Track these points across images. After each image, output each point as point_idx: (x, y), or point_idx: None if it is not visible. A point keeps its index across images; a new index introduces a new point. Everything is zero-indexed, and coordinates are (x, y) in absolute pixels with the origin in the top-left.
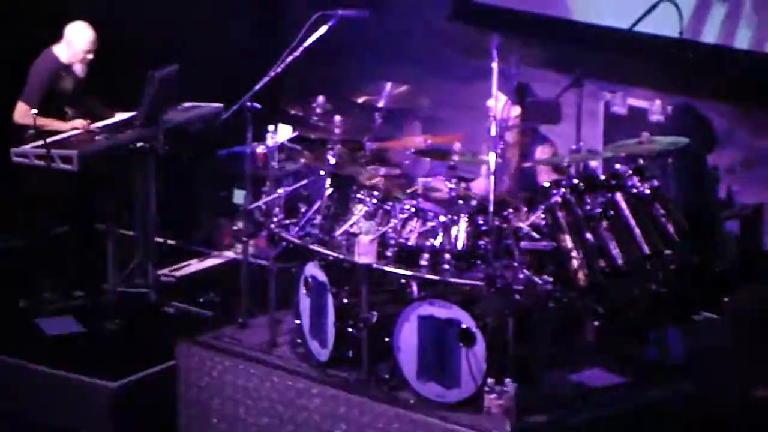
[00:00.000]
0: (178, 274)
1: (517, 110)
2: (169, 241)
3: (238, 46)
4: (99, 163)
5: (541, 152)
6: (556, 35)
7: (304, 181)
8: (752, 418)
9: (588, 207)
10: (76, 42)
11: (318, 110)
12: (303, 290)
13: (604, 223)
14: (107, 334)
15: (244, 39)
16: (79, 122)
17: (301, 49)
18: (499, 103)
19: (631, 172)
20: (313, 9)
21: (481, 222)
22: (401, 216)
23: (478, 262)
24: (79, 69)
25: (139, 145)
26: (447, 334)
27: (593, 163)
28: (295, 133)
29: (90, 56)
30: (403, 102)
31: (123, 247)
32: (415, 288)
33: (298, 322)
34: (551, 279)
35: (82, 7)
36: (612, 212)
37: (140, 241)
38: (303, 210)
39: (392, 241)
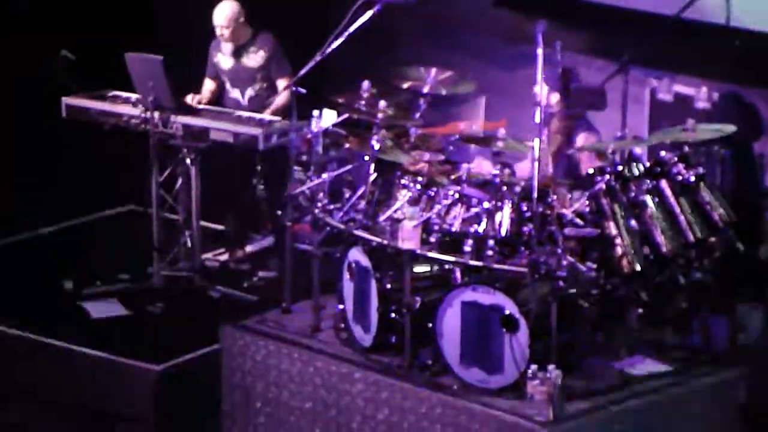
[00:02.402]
0: (222, 258)
1: (556, 97)
2: (214, 226)
3: (284, 31)
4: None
5: (585, 140)
6: (602, 21)
7: (349, 167)
8: None
9: (632, 194)
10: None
11: (363, 95)
12: (346, 275)
13: (649, 211)
14: (152, 318)
15: (290, 24)
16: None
17: (345, 34)
18: (543, 89)
19: (676, 159)
20: None
21: (525, 208)
22: (445, 202)
23: (522, 248)
24: (223, 47)
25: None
26: (490, 320)
27: (638, 150)
28: (341, 118)
29: (220, 33)
30: (448, 87)
31: (168, 231)
32: (458, 274)
33: (341, 307)
34: (595, 266)
35: None
36: (657, 199)
37: (185, 225)
38: (347, 195)
39: (436, 227)
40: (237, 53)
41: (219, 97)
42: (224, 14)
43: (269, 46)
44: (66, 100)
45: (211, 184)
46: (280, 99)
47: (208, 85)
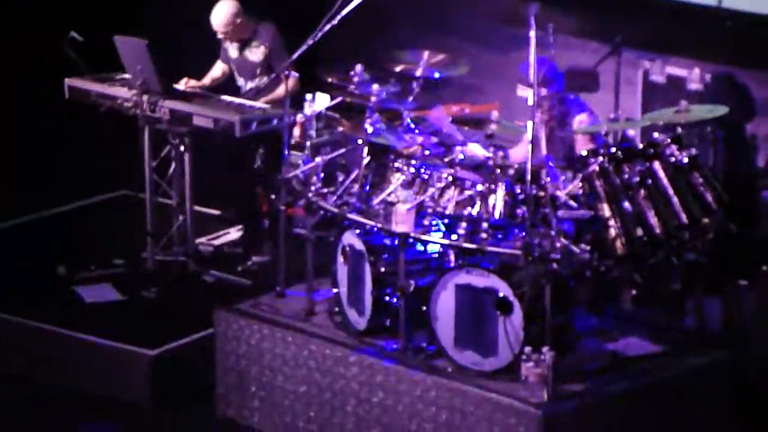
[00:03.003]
0: (216, 242)
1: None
2: (208, 210)
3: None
4: None
5: (580, 122)
6: (595, 3)
7: (342, 150)
8: None
9: (626, 176)
10: None
11: (356, 79)
12: (340, 259)
13: (642, 192)
14: (146, 303)
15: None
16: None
17: (338, 18)
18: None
19: (669, 140)
20: None
21: (518, 191)
22: (439, 185)
23: (516, 230)
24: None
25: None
26: (484, 303)
27: (631, 132)
28: (334, 102)
29: (220, 35)
30: (441, 70)
31: (162, 216)
32: (452, 256)
33: (335, 290)
34: (588, 248)
35: None
36: (650, 181)
37: (179, 209)
38: (340, 179)
39: (429, 210)
40: (241, 47)
41: (230, 80)
42: (220, 18)
43: (269, 41)
44: (68, 81)
45: (207, 168)
46: (280, 89)
47: (219, 66)
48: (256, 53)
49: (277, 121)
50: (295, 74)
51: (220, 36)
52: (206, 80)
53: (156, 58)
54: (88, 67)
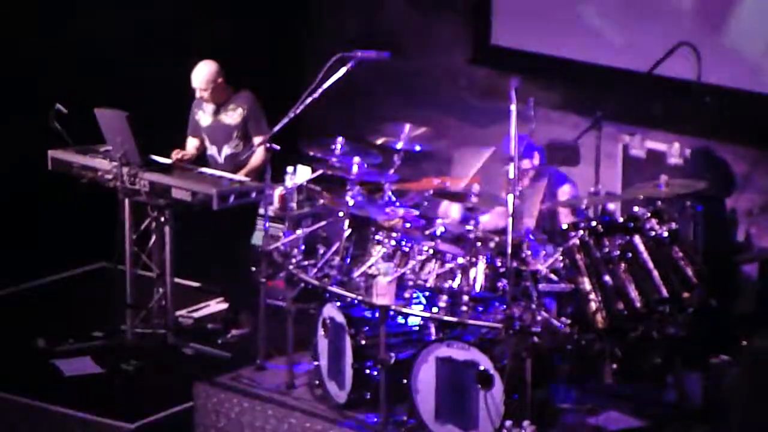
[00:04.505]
0: (196, 315)
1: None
2: (188, 283)
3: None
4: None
5: (563, 193)
6: (576, 77)
7: (323, 222)
8: None
9: (606, 249)
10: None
11: (337, 151)
12: (321, 331)
13: (623, 266)
14: (125, 375)
15: (263, 80)
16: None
17: (320, 90)
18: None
19: (649, 214)
20: (333, 50)
21: (499, 264)
22: (419, 257)
23: (497, 303)
24: (205, 106)
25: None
26: (465, 376)
27: (611, 206)
28: (315, 174)
29: (199, 95)
30: (422, 144)
31: (141, 288)
32: (433, 330)
33: (316, 363)
34: (569, 321)
35: None
36: (630, 255)
37: (158, 282)
38: (321, 251)
39: (410, 283)
40: (216, 111)
41: (202, 154)
42: (201, 76)
43: (247, 105)
44: (52, 153)
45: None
46: (256, 158)
47: (192, 143)
48: (232, 116)
49: (255, 195)
50: (276, 147)
51: (199, 95)
52: (188, 153)
53: (135, 129)
54: (72, 138)
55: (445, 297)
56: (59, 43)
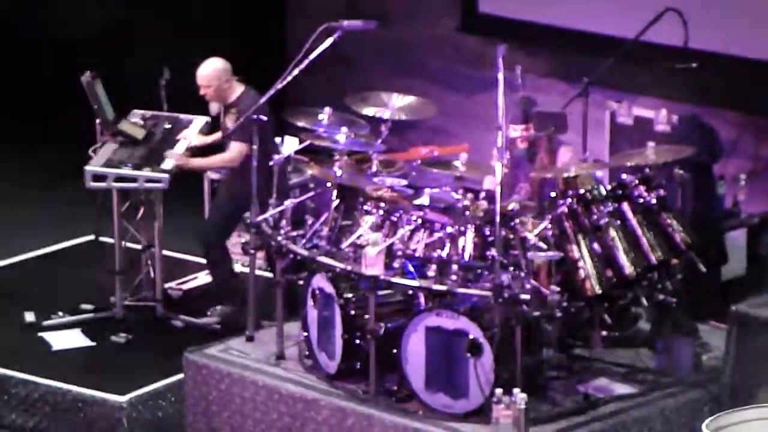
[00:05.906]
0: (185, 287)
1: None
2: (177, 254)
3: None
4: None
5: (564, 153)
6: (563, 45)
7: (311, 193)
8: None
9: (595, 217)
10: None
11: (324, 122)
12: (310, 302)
13: (611, 233)
14: (114, 348)
15: (249, 51)
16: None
17: (307, 61)
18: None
19: (637, 182)
20: (319, 21)
21: (488, 233)
22: (408, 227)
23: (486, 272)
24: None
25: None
26: (455, 345)
27: (599, 173)
28: (302, 145)
29: (203, 92)
30: (410, 113)
31: (131, 261)
32: (422, 299)
33: (305, 334)
34: (558, 289)
35: None
36: (619, 222)
37: (147, 254)
38: (310, 222)
39: (399, 253)
40: (224, 111)
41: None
42: (204, 73)
43: (242, 108)
44: None
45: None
46: (228, 154)
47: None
48: (231, 118)
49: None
50: (263, 118)
51: (203, 94)
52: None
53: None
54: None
55: (434, 266)
56: None
